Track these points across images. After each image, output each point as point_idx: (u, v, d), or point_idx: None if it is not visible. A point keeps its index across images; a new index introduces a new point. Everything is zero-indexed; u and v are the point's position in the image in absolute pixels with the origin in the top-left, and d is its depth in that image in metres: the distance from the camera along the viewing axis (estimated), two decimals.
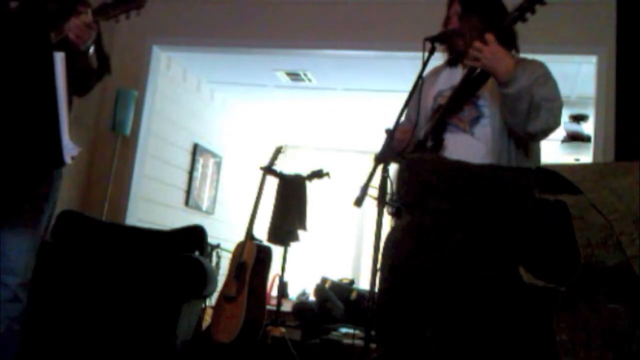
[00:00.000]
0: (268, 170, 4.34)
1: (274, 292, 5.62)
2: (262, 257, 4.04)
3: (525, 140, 2.16)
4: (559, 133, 5.38)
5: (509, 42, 2.20)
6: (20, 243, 2.11)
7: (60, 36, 2.09)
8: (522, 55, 2.29)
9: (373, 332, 2.05)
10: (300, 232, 4.30)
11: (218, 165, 6.22)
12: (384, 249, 1.60)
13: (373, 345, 2.12)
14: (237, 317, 3.81)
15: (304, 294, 6.08)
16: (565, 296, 1.21)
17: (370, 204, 2.17)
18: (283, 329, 4.05)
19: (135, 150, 4.61)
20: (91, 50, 2.18)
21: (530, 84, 2.05)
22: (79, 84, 2.26)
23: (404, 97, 2.29)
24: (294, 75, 5.38)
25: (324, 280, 5.32)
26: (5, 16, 2.16)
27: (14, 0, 2.18)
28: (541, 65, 2.22)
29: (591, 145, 4.09)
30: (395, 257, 1.49)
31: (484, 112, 2.20)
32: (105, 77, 2.37)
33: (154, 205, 5.10)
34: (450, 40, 2.30)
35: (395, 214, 2.11)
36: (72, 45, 2.09)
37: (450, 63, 2.36)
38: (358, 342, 4.01)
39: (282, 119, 6.80)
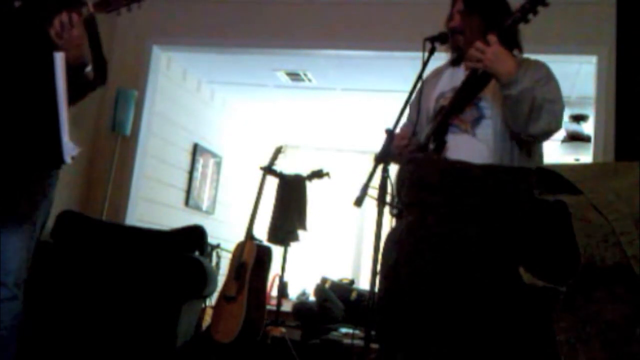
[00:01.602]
0: (268, 170, 4.34)
1: (274, 292, 5.62)
2: (262, 257, 4.04)
3: (527, 141, 2.16)
4: (559, 133, 5.38)
5: (512, 42, 2.19)
6: (16, 242, 2.12)
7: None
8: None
9: (373, 332, 2.05)
10: (300, 232, 4.31)
11: (218, 165, 6.22)
12: (384, 249, 1.60)
13: (373, 345, 2.12)
14: (237, 317, 3.81)
15: (304, 294, 6.09)
16: (565, 296, 1.20)
17: (370, 204, 2.17)
18: (283, 329, 4.05)
19: (135, 150, 4.61)
20: (88, 68, 2.17)
21: (532, 85, 2.05)
22: (72, 96, 2.23)
23: (404, 97, 2.29)
24: (294, 75, 5.38)
25: (324, 280, 5.33)
26: (8, 15, 2.16)
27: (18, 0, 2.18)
28: (543, 66, 2.21)
29: (591, 145, 4.09)
30: (396, 257, 1.49)
31: (485, 113, 2.20)
32: (99, 88, 2.35)
33: (154, 205, 5.10)
34: (452, 38, 2.29)
35: (397, 216, 2.11)
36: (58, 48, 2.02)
37: (454, 63, 2.36)
38: (358, 342, 4.01)
39: (282, 119, 6.80)
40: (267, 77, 5.49)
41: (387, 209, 2.15)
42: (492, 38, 2.05)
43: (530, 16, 2.06)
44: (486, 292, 1.37)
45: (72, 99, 2.23)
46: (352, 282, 5.78)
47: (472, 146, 2.18)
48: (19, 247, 2.12)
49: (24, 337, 2.21)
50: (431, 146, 2.22)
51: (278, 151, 4.40)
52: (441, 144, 2.20)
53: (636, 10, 3.37)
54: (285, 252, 4.29)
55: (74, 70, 2.11)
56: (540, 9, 2.04)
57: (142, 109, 4.63)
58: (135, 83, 4.59)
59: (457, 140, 2.20)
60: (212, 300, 4.25)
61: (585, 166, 1.54)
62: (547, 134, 2.14)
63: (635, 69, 3.42)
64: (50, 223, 3.73)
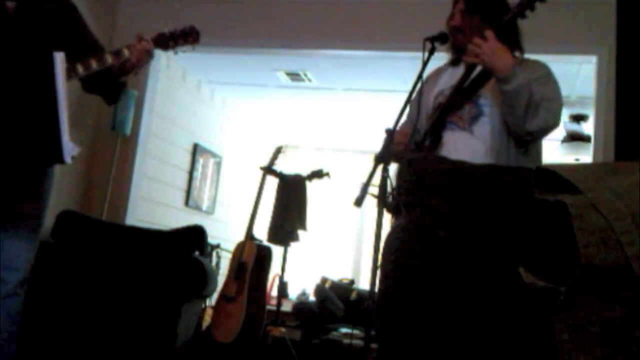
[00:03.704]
0: (268, 170, 4.34)
1: (274, 292, 5.61)
2: (262, 257, 4.05)
3: (524, 139, 2.16)
4: (559, 133, 5.39)
5: (511, 40, 2.20)
6: (20, 240, 2.13)
7: (101, 65, 2.20)
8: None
9: (373, 332, 2.05)
10: (300, 232, 4.30)
11: (218, 165, 6.22)
12: (384, 249, 1.60)
13: (373, 345, 2.12)
14: (237, 317, 3.81)
15: (304, 294, 6.08)
16: (565, 296, 1.20)
17: (370, 204, 2.17)
18: (283, 329, 4.05)
19: (135, 150, 4.61)
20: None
21: (529, 81, 2.06)
22: (117, 96, 2.43)
23: (404, 97, 2.29)
24: (294, 75, 5.38)
25: (324, 280, 5.32)
26: (2, 16, 2.16)
27: (11, 0, 2.19)
28: (543, 66, 2.22)
29: (591, 145, 4.09)
30: (395, 257, 1.49)
31: (483, 111, 2.21)
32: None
33: (154, 205, 5.10)
34: (452, 37, 2.30)
35: (394, 211, 2.11)
36: (127, 68, 2.28)
37: (453, 63, 2.37)
38: (358, 342, 4.01)
39: (282, 119, 6.80)
40: (267, 77, 5.49)
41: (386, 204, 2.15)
42: (489, 33, 2.06)
43: (528, 12, 2.07)
44: (486, 292, 1.37)
45: (116, 99, 2.47)
46: (352, 282, 5.77)
47: (469, 143, 2.18)
48: (23, 246, 2.13)
49: (24, 337, 2.21)
50: (427, 142, 2.23)
51: (278, 151, 4.40)
52: (437, 141, 2.21)
53: (636, 10, 3.37)
54: (285, 252, 4.28)
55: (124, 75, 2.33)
56: (541, 9, 2.05)
57: (142, 109, 4.63)
58: (135, 83, 4.58)
59: (454, 137, 2.21)
60: (212, 300, 4.25)
61: (585, 166, 1.54)
62: (545, 132, 2.15)
63: (635, 69, 3.42)
64: (50, 223, 3.73)
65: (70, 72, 2.11)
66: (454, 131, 2.22)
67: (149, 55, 2.31)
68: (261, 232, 4.23)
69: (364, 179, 2.15)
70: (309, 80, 5.44)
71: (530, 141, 2.19)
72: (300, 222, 4.31)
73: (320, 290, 5.04)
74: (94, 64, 2.17)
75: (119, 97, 2.48)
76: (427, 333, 1.40)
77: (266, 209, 4.39)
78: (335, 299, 4.96)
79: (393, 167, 2.12)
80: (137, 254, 3.65)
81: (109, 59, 2.22)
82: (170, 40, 2.38)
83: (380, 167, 2.17)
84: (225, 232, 5.83)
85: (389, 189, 2.12)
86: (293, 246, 4.34)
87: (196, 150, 5.78)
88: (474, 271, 1.39)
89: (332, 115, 6.45)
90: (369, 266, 2.11)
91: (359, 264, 7.26)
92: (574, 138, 5.46)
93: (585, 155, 5.35)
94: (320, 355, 4.21)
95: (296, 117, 6.71)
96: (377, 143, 2.29)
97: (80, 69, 2.15)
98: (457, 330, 1.38)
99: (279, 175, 4.39)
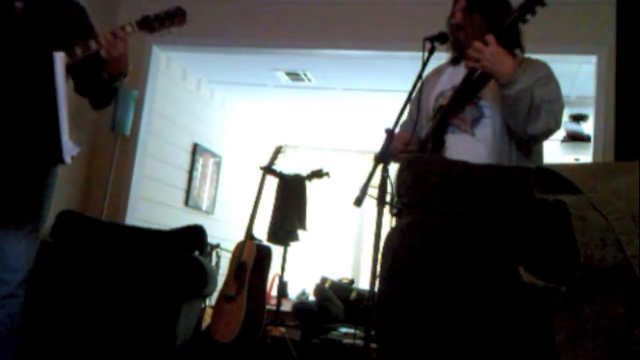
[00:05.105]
0: (268, 170, 4.35)
1: (274, 292, 5.62)
2: (262, 257, 4.05)
3: (526, 141, 2.16)
4: (559, 133, 5.38)
5: (512, 41, 2.19)
6: (20, 241, 2.13)
7: (87, 52, 2.13)
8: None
9: (373, 332, 2.05)
10: (300, 232, 4.31)
11: (218, 165, 6.22)
12: (384, 249, 1.60)
13: (373, 345, 2.12)
14: (237, 317, 3.81)
15: (304, 294, 6.08)
16: (565, 296, 1.20)
17: (370, 204, 2.17)
18: (283, 329, 4.05)
19: (135, 150, 4.61)
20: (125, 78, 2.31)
21: (531, 85, 2.05)
22: (104, 101, 2.39)
23: (404, 97, 2.29)
24: (294, 75, 5.38)
25: (324, 280, 5.33)
26: (10, 17, 2.16)
27: (19, 0, 2.19)
28: (544, 66, 2.21)
29: (591, 145, 4.09)
30: (396, 257, 1.49)
31: (485, 113, 2.20)
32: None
33: (154, 205, 5.10)
34: (453, 34, 2.29)
35: (397, 215, 2.11)
36: (111, 64, 2.18)
37: (454, 62, 2.36)
38: (358, 342, 4.01)
39: (282, 119, 6.80)
40: (267, 77, 5.49)
41: (387, 209, 2.15)
42: (490, 39, 2.05)
43: (529, 17, 2.06)
44: (487, 292, 1.37)
45: (103, 105, 2.35)
46: (352, 282, 5.78)
47: (471, 146, 2.18)
48: (24, 247, 2.13)
49: (24, 337, 2.21)
50: (430, 145, 2.22)
51: (278, 151, 4.40)
52: (440, 144, 2.21)
53: (636, 10, 3.37)
54: (285, 252, 4.29)
55: (114, 80, 2.24)
56: (540, 9, 2.05)
57: (142, 109, 4.63)
58: (135, 83, 4.59)
59: (456, 140, 2.20)
60: (212, 300, 4.25)
61: (585, 166, 1.54)
62: (547, 135, 2.14)
63: (635, 69, 3.42)
64: (50, 223, 3.73)
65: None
66: (455, 134, 2.21)
67: (122, 42, 2.16)
68: (261, 232, 4.23)
69: (364, 179, 2.16)
70: (309, 80, 5.44)
71: (532, 144, 2.18)
72: (300, 222, 4.31)
73: (320, 290, 5.04)
74: (79, 52, 2.14)
75: (109, 103, 2.45)
76: (426, 333, 1.40)
77: (266, 209, 4.39)
78: (335, 299, 4.96)
79: (393, 167, 2.13)
80: (137, 254, 3.65)
81: (93, 46, 2.16)
82: (155, 22, 2.27)
83: (380, 167, 2.17)
84: (225, 232, 5.83)
85: (389, 189, 2.12)
86: (293, 246, 4.34)
87: (196, 150, 5.78)
88: (474, 271, 1.39)
89: (332, 115, 6.45)
90: (369, 266, 2.12)
91: (359, 264, 7.26)
92: (574, 138, 5.47)
93: (585, 155, 5.35)
94: (320, 355, 4.21)
95: (296, 117, 6.71)
96: (377, 143, 2.29)
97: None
98: (457, 331, 1.38)
99: (279, 175, 4.39)
